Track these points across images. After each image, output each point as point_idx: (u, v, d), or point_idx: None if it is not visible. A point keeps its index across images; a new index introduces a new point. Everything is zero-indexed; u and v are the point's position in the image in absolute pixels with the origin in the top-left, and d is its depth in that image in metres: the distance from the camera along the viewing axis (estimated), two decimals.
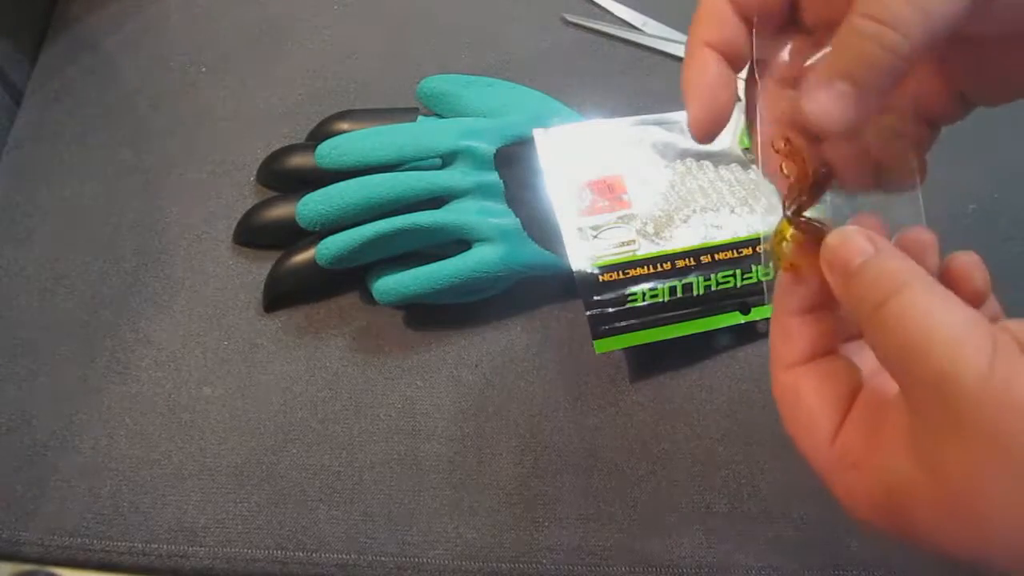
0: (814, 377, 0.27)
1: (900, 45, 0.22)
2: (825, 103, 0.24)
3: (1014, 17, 0.24)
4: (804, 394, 0.26)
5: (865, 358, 0.27)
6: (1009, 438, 0.20)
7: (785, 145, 0.28)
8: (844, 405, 0.26)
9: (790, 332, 0.27)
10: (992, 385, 0.20)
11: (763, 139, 0.28)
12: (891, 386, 0.25)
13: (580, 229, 0.44)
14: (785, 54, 0.28)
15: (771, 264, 0.28)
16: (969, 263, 0.27)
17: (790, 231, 0.27)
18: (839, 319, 0.28)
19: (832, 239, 0.25)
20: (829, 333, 0.27)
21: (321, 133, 0.50)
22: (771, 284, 0.28)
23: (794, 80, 0.28)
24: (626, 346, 0.43)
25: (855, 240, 0.25)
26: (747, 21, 0.27)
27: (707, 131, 0.27)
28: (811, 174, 0.28)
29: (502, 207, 0.45)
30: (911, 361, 0.22)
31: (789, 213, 0.28)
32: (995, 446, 0.20)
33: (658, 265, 0.43)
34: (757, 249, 0.44)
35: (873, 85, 0.24)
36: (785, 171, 0.28)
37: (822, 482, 0.26)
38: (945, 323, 0.22)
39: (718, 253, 0.44)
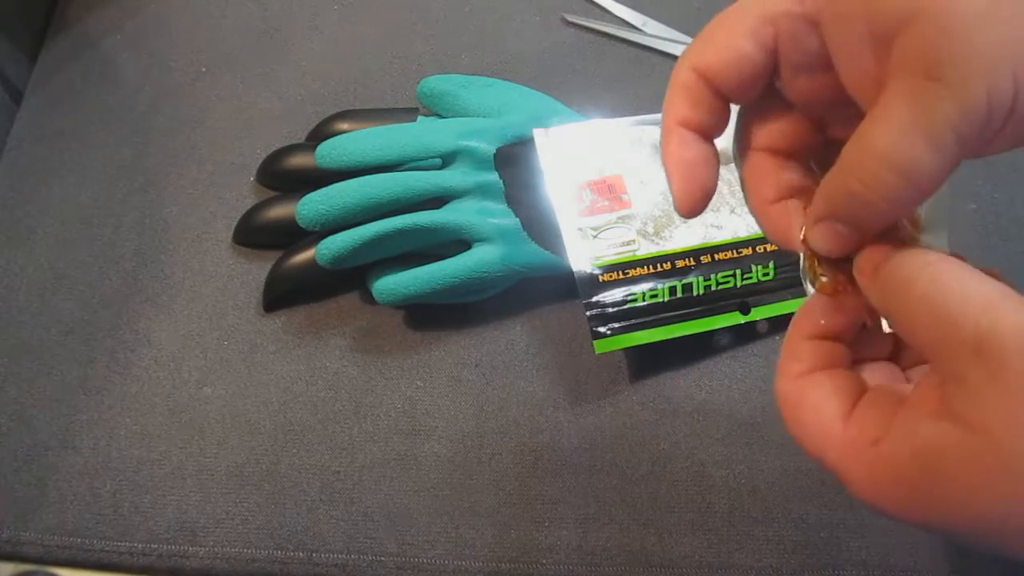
0: (818, 378, 0.26)
1: (889, 210, 0.23)
2: (825, 240, 0.25)
3: (1017, 143, 0.23)
4: (808, 391, 0.26)
5: (871, 376, 0.27)
6: None
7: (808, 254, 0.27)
8: (851, 398, 0.26)
9: (800, 353, 0.27)
10: None
11: (755, 206, 0.29)
12: (902, 386, 0.25)
13: (580, 229, 0.44)
14: (771, 130, 0.28)
15: (807, 282, 0.28)
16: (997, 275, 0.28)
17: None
18: (849, 350, 0.28)
19: (865, 249, 0.25)
20: (838, 356, 0.27)
21: (321, 133, 0.50)
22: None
23: (784, 152, 0.29)
24: (626, 346, 0.43)
25: (872, 250, 0.25)
26: (721, 96, 0.27)
27: (692, 208, 0.28)
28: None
29: (502, 207, 0.45)
30: (946, 327, 0.22)
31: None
32: None
33: (658, 265, 0.43)
34: (757, 249, 0.44)
35: (866, 229, 0.25)
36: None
37: (837, 474, 0.25)
38: (979, 290, 0.22)
39: (718, 253, 0.44)
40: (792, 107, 0.27)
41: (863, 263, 0.25)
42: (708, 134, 0.28)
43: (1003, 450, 0.21)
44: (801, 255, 0.28)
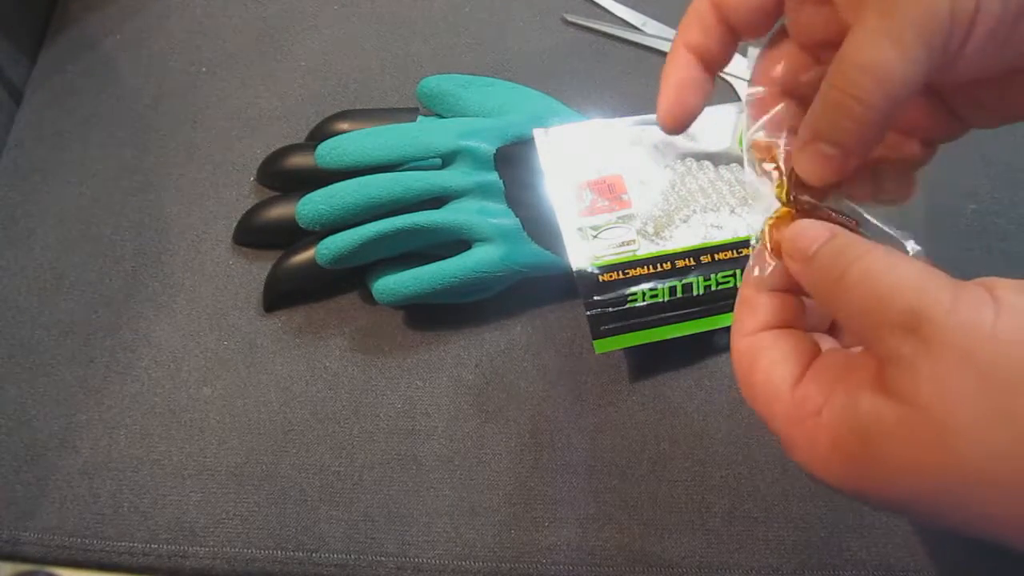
0: (772, 338, 0.27)
1: (864, 114, 0.24)
2: (811, 163, 0.26)
3: (985, 66, 0.25)
4: (762, 352, 0.27)
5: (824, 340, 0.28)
6: (976, 354, 0.21)
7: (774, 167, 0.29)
8: (804, 361, 0.26)
9: (755, 305, 0.28)
10: (958, 312, 0.22)
11: (749, 144, 0.30)
12: (850, 352, 0.26)
13: (580, 229, 0.44)
14: (779, 68, 0.30)
15: (756, 241, 0.29)
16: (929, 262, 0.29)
17: (776, 214, 0.29)
18: (803, 305, 0.29)
19: (789, 231, 0.27)
20: (792, 310, 0.28)
21: (321, 133, 0.50)
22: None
23: (790, 90, 0.30)
24: (626, 346, 0.43)
25: (811, 228, 0.26)
26: (731, 29, 0.29)
27: (672, 125, 0.30)
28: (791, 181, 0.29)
29: (502, 207, 0.45)
30: (878, 312, 0.23)
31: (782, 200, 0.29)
32: (965, 363, 0.21)
33: (658, 265, 0.43)
34: None
35: (849, 147, 0.26)
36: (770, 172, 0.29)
37: (782, 440, 0.26)
38: (908, 273, 0.23)
39: (718, 253, 0.44)
40: (800, 49, 0.29)
41: (795, 249, 0.26)
42: (710, 63, 0.30)
43: (937, 423, 0.22)
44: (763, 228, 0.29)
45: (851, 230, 0.28)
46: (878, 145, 0.26)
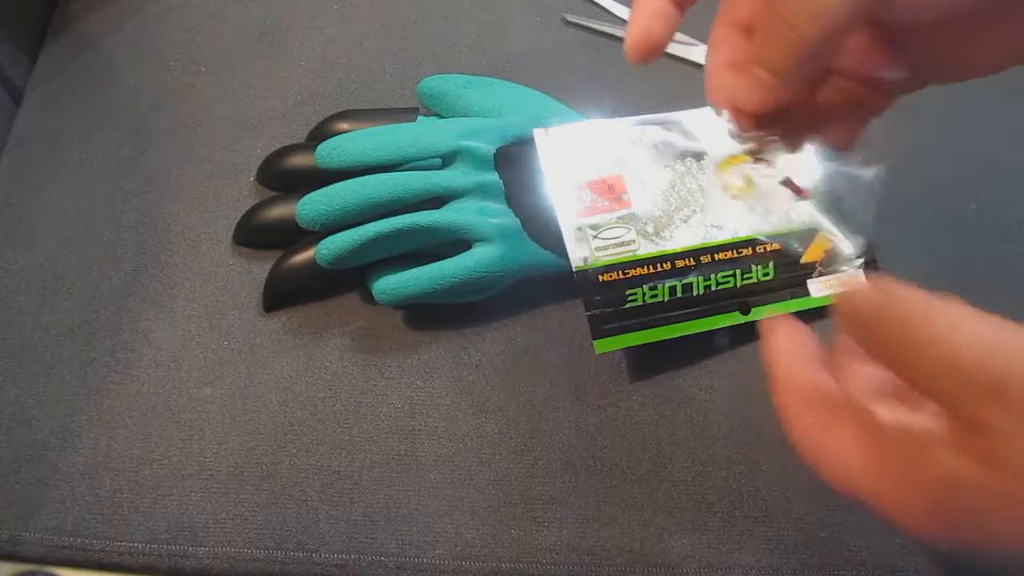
0: (835, 419, 0.27)
1: (799, 43, 0.24)
2: (747, 86, 0.27)
3: (917, 7, 0.25)
4: (829, 435, 0.26)
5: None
6: None
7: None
8: (870, 444, 0.26)
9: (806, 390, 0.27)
10: None
11: (708, 67, 0.30)
12: (912, 419, 0.25)
13: (580, 229, 0.44)
14: (743, 5, 0.30)
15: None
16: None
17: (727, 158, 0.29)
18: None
19: (843, 297, 0.26)
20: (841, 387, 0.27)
21: (321, 133, 0.50)
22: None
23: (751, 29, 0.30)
24: (626, 346, 0.43)
25: (867, 289, 0.25)
26: None
27: (636, 55, 0.30)
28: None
29: (502, 207, 0.45)
30: (953, 379, 0.22)
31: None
32: None
33: (658, 265, 0.43)
34: (757, 249, 0.44)
35: (783, 74, 0.25)
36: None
37: (870, 508, 0.25)
38: (981, 332, 0.22)
39: (718, 253, 0.44)
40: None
41: (848, 312, 0.25)
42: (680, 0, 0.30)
43: None
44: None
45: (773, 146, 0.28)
46: (817, 78, 0.26)
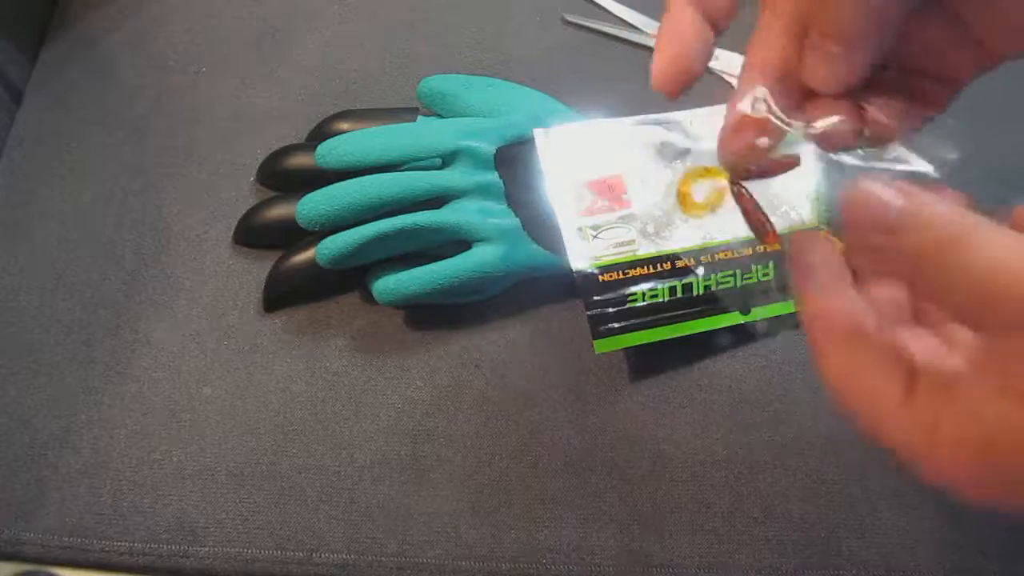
0: (868, 353, 0.24)
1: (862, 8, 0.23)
2: (820, 64, 0.25)
3: None
4: (865, 370, 0.24)
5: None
6: None
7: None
8: (906, 377, 0.23)
9: (838, 309, 0.24)
10: None
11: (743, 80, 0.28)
12: (949, 362, 0.23)
13: (580, 229, 0.44)
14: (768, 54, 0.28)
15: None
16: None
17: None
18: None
19: (850, 193, 0.23)
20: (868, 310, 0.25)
21: (321, 133, 0.50)
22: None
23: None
24: (626, 346, 0.43)
25: (882, 194, 0.22)
26: None
27: (667, 87, 0.26)
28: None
29: (502, 207, 0.45)
30: (1002, 304, 0.20)
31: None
32: None
33: (658, 265, 0.43)
34: (757, 249, 0.44)
35: (854, 38, 0.24)
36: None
37: (899, 455, 0.23)
38: (1018, 249, 0.20)
39: (718, 253, 0.44)
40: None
41: (866, 218, 0.22)
42: (713, 17, 0.27)
43: None
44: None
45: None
46: (884, 45, 0.24)
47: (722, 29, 0.27)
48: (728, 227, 0.45)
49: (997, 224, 0.21)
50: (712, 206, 0.35)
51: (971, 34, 0.26)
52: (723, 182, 0.28)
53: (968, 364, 0.22)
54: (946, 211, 0.21)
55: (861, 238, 0.23)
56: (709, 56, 0.27)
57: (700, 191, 0.36)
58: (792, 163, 0.27)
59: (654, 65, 0.26)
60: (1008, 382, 0.20)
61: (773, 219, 0.45)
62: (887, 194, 0.22)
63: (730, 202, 0.29)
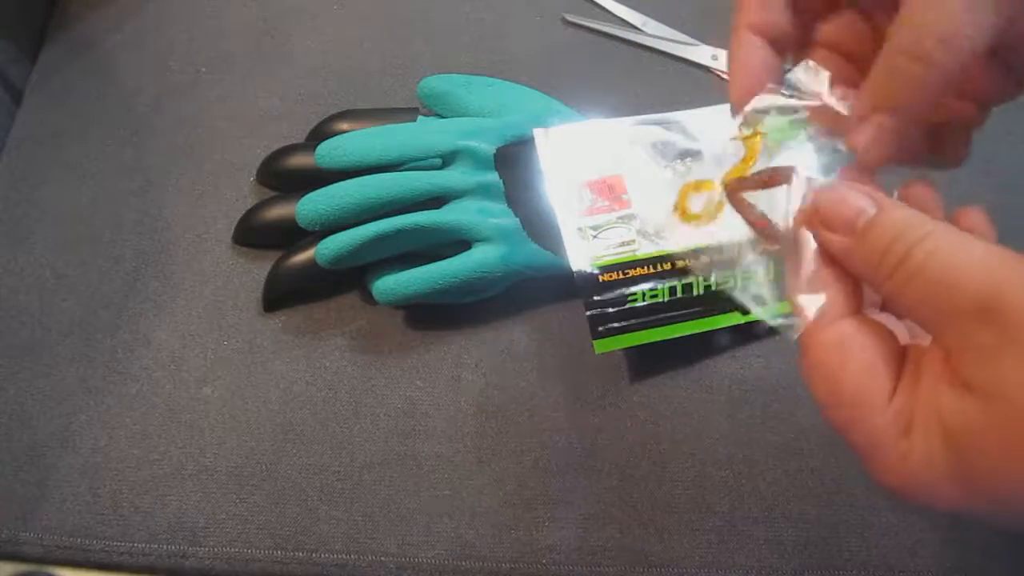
0: (861, 333, 0.24)
1: (928, 77, 0.23)
2: (869, 138, 0.25)
3: None
4: (853, 354, 0.24)
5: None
6: None
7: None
8: (896, 365, 0.24)
9: (831, 285, 0.25)
10: None
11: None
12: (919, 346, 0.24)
13: (580, 229, 0.44)
14: (836, 27, 0.28)
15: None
16: (979, 216, 0.27)
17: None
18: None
19: (824, 198, 0.24)
20: (857, 293, 0.25)
21: (321, 133, 0.50)
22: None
23: (849, 54, 0.28)
24: (626, 346, 0.43)
25: (852, 198, 0.24)
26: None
27: (742, 105, 0.28)
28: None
29: (502, 207, 0.45)
30: (946, 299, 0.21)
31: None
32: None
33: (658, 265, 0.43)
34: (757, 249, 0.44)
35: (910, 113, 0.24)
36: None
37: (868, 462, 0.23)
38: (979, 255, 0.21)
39: (718, 253, 0.44)
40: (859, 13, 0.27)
41: (839, 220, 0.24)
42: (776, 39, 0.28)
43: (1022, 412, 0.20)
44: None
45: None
46: (926, 119, 0.24)
47: (787, 51, 0.28)
48: (728, 227, 0.45)
49: (948, 226, 0.22)
50: (710, 216, 0.35)
51: (1011, 71, 0.27)
52: (720, 193, 0.29)
53: (925, 354, 0.23)
54: (904, 215, 0.23)
55: (828, 238, 0.24)
56: (779, 74, 0.28)
57: (698, 203, 0.36)
58: (785, 177, 0.28)
59: (731, 96, 0.28)
60: (954, 372, 0.21)
61: (773, 219, 0.45)
62: (855, 198, 0.24)
63: (728, 210, 0.30)
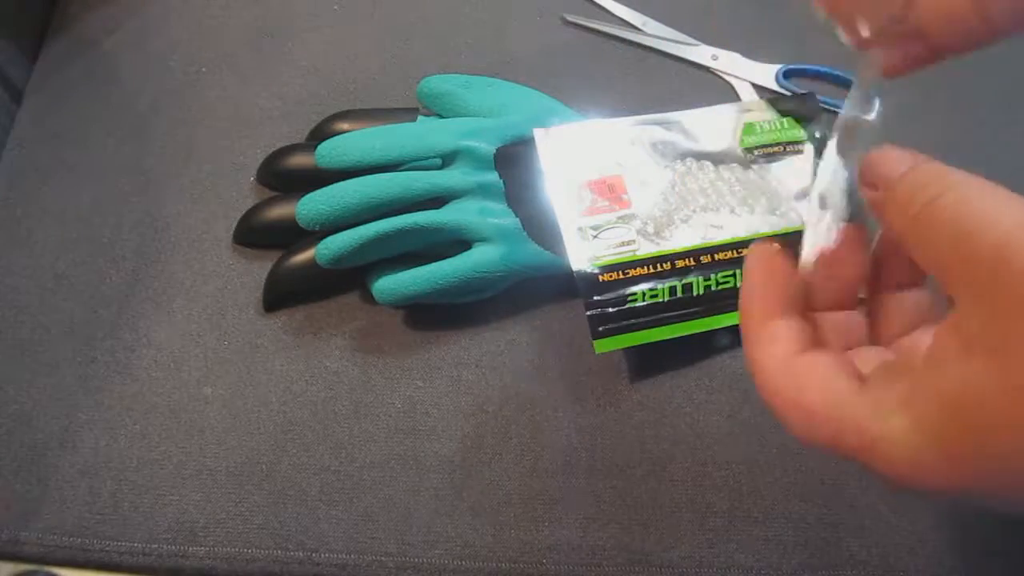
0: (810, 357, 0.24)
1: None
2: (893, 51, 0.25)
3: None
4: (810, 373, 0.24)
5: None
6: None
7: None
8: (854, 372, 0.24)
9: (776, 335, 0.25)
10: None
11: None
12: (904, 354, 0.24)
13: (580, 229, 0.44)
14: None
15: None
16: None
17: None
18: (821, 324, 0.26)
19: (868, 157, 0.25)
20: (815, 331, 0.26)
21: (321, 133, 0.50)
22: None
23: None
24: (626, 346, 0.43)
25: (894, 153, 0.24)
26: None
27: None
28: None
29: (502, 207, 0.45)
30: (964, 245, 0.20)
31: None
32: None
33: (658, 265, 0.43)
34: None
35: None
36: None
37: (861, 459, 0.22)
38: (998, 206, 0.21)
39: (718, 253, 0.44)
40: None
41: (876, 175, 0.24)
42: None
43: None
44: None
45: None
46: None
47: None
48: (728, 227, 0.45)
49: (984, 184, 0.22)
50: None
51: None
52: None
53: (933, 338, 0.22)
54: (936, 167, 0.23)
55: (869, 195, 0.24)
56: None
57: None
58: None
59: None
60: (969, 339, 0.20)
61: (773, 219, 0.45)
62: (896, 155, 0.24)
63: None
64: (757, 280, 0.26)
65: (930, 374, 0.21)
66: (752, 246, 0.27)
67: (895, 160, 0.24)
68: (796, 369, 0.24)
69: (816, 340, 0.26)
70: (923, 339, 0.25)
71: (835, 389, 0.23)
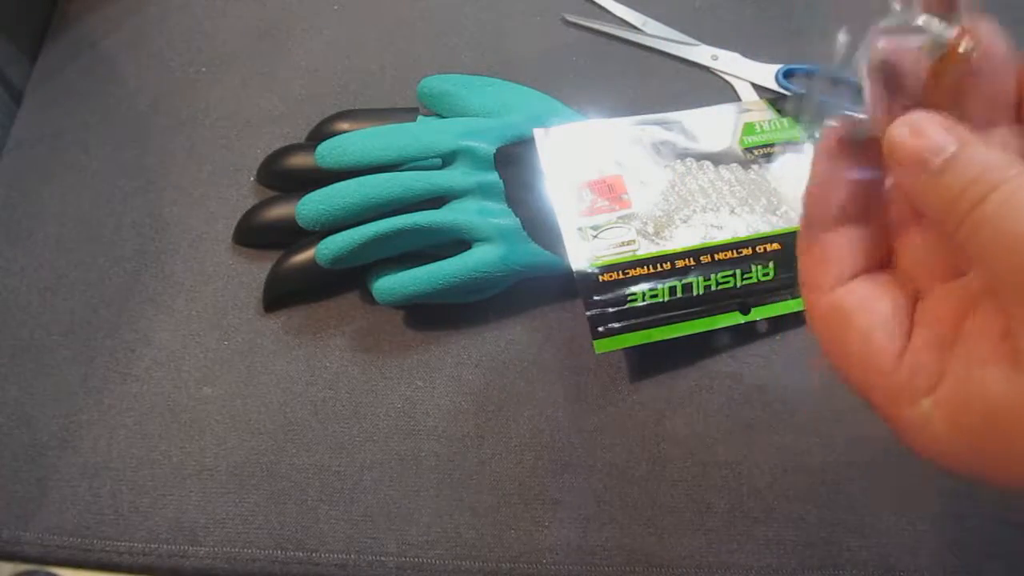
0: (864, 292, 0.23)
1: None
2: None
3: None
4: (855, 314, 0.22)
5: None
6: None
7: None
8: (907, 319, 0.22)
9: (826, 254, 0.23)
10: None
11: None
12: (961, 292, 0.22)
13: (580, 229, 0.44)
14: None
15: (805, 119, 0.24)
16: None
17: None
18: (879, 233, 0.24)
19: (900, 133, 0.21)
20: (873, 250, 0.23)
21: (321, 133, 0.50)
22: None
23: None
24: (626, 346, 0.43)
25: (931, 134, 0.21)
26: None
27: None
28: None
29: (502, 207, 0.45)
30: (1016, 254, 0.19)
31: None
32: None
33: (658, 265, 0.43)
34: (757, 249, 0.44)
35: None
36: None
37: (883, 418, 0.22)
38: None
39: (718, 253, 0.44)
40: None
41: (913, 157, 0.21)
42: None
43: None
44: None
45: None
46: None
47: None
48: (728, 227, 0.45)
49: None
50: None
51: None
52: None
53: (974, 320, 0.21)
54: (986, 155, 0.20)
55: (904, 174, 0.22)
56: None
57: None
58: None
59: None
60: (1014, 347, 0.19)
61: (773, 219, 0.45)
62: (935, 132, 0.21)
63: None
64: (816, 173, 0.24)
65: (974, 378, 0.20)
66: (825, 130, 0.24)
67: (935, 139, 0.21)
68: (843, 305, 0.23)
69: (873, 258, 0.23)
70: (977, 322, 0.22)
71: (876, 346, 0.22)
